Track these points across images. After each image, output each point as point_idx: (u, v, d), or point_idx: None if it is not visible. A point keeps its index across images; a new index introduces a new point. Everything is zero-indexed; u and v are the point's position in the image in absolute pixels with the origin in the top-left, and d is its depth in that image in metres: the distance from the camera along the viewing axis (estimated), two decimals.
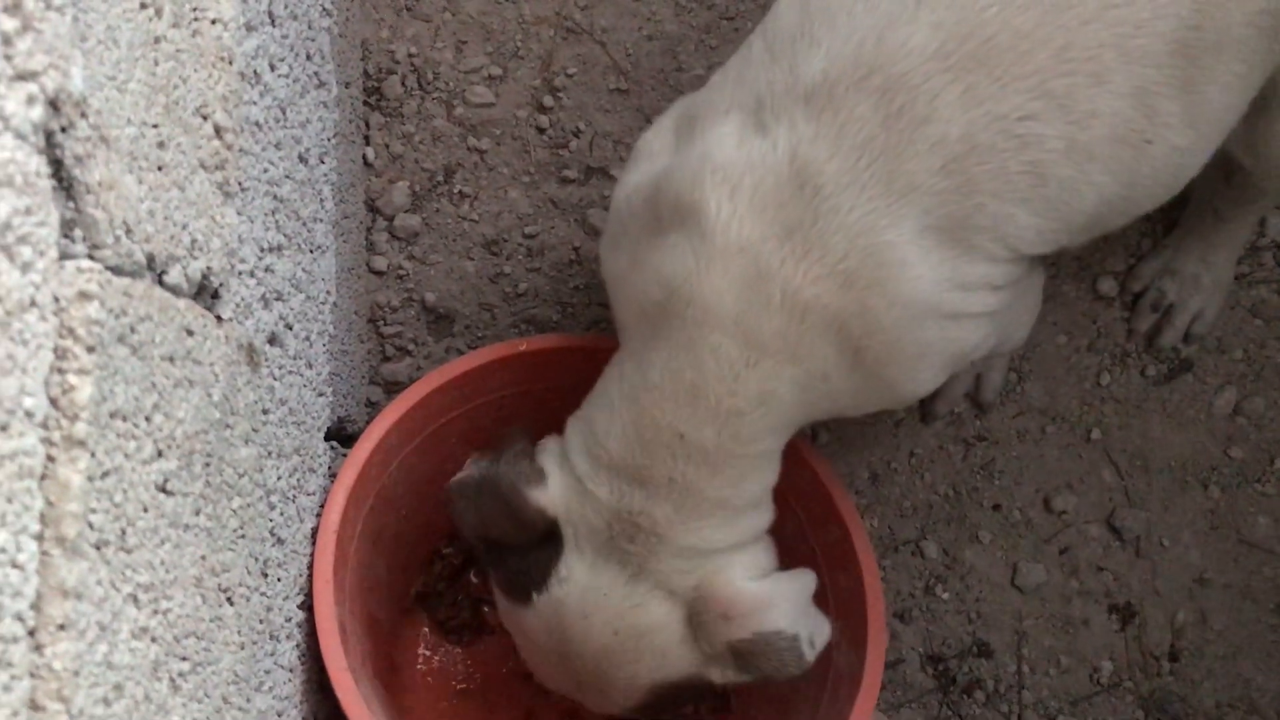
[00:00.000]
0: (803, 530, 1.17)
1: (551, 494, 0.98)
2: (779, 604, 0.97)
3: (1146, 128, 0.89)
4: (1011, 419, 1.34)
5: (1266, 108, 1.02)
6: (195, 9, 0.76)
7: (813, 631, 0.99)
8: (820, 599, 1.15)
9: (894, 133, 0.86)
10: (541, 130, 1.36)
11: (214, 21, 0.78)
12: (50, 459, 0.58)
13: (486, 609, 1.28)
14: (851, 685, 1.07)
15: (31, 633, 0.55)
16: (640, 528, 0.95)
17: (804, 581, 1.01)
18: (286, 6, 0.96)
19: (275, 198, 0.94)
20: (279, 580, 0.95)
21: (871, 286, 0.88)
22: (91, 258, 0.64)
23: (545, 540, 0.98)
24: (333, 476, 1.09)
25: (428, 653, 1.28)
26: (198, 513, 0.73)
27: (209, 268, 0.77)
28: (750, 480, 0.96)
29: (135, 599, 0.64)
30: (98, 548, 0.61)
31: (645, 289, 0.93)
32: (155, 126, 0.71)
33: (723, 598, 0.96)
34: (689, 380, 0.92)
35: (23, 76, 0.54)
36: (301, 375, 1.01)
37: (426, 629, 1.28)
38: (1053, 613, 1.32)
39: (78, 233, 0.63)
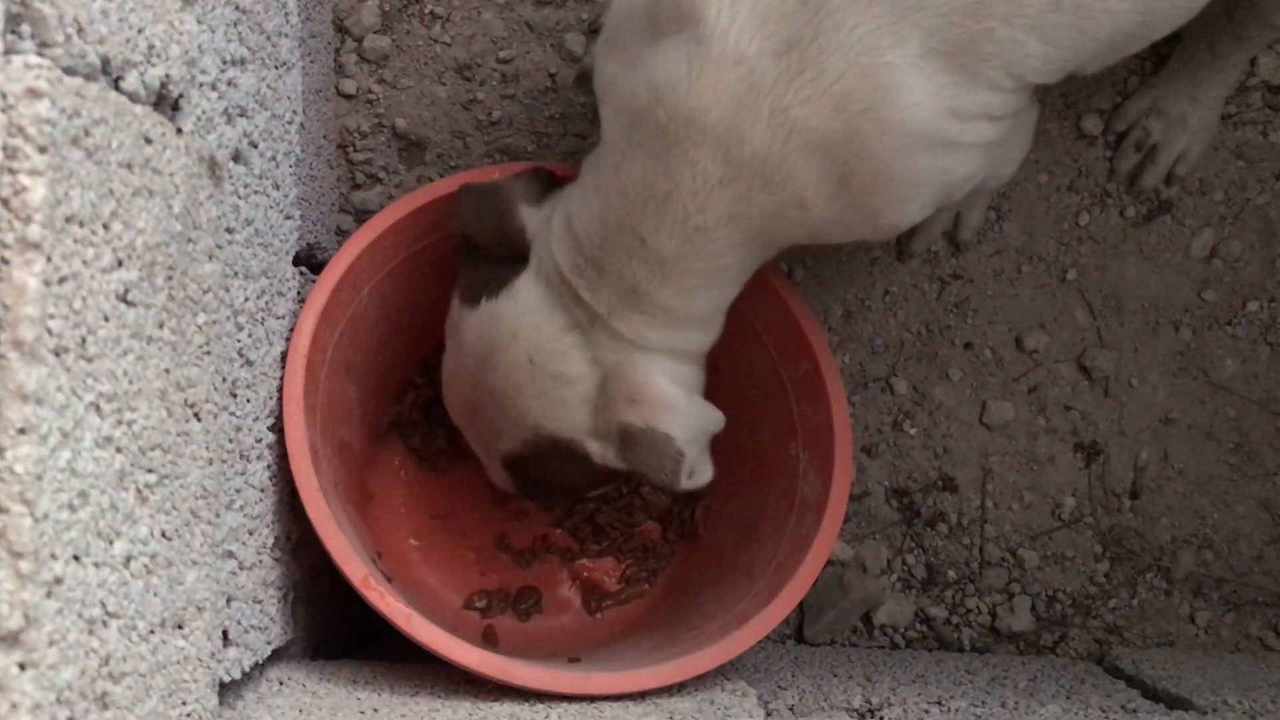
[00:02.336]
0: (773, 364, 1.18)
1: (538, 222, 1.01)
2: (682, 415, 0.99)
3: None
4: (988, 258, 1.34)
5: None
6: None
7: (696, 465, 1.01)
8: (789, 431, 1.17)
9: None
10: None
11: None
12: (4, 260, 0.57)
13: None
14: (816, 515, 1.09)
15: None
16: (585, 302, 0.98)
17: (712, 415, 1.03)
18: None
19: (237, 8, 0.91)
20: (248, 401, 0.95)
21: (866, 110, 0.86)
22: (41, 55, 0.61)
23: (517, 261, 1.02)
24: (302, 302, 1.08)
25: (402, 480, 1.29)
26: (161, 325, 0.72)
27: (168, 75, 0.74)
28: (700, 295, 0.97)
29: (98, 408, 0.64)
30: (57, 354, 0.60)
31: (634, 93, 0.91)
32: None
33: (635, 382, 0.98)
34: (661, 191, 0.91)
35: None
36: (268, 196, 0.99)
37: (400, 457, 1.30)
38: (1019, 450, 1.34)
39: (25, 28, 0.61)
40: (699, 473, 1.02)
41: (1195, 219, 1.34)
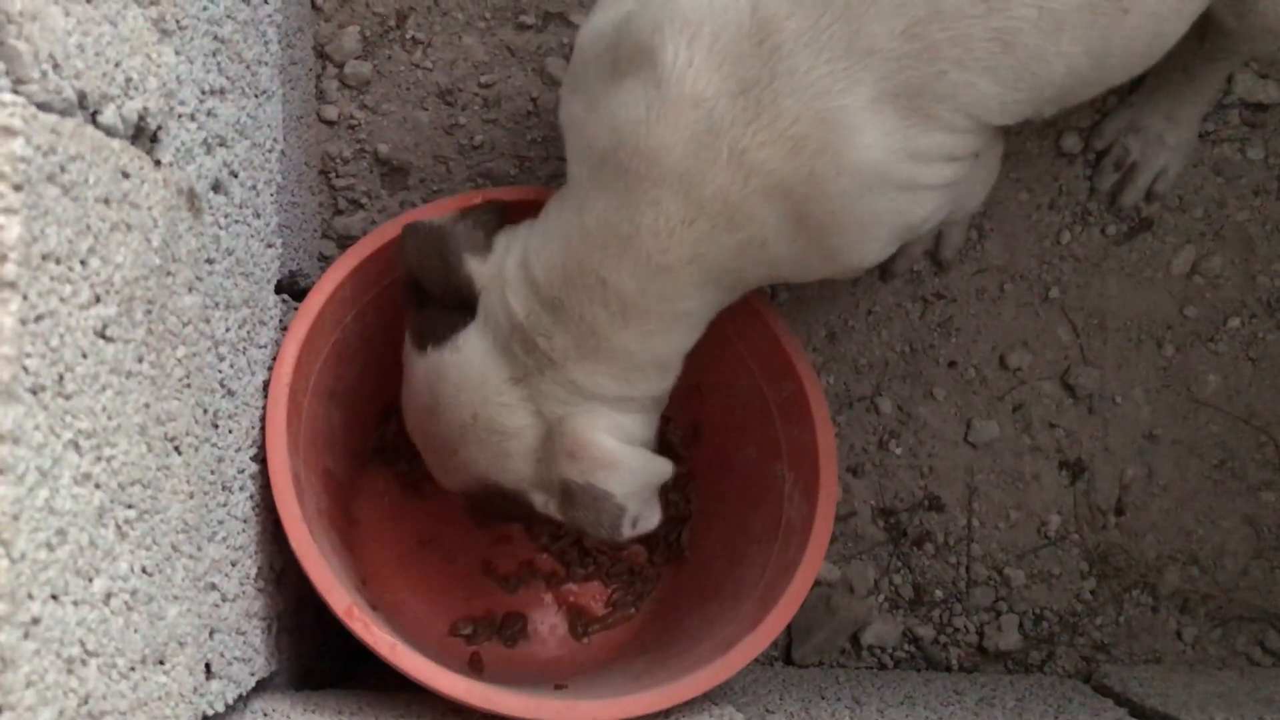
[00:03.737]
0: (758, 385, 1.18)
1: (485, 270, 1.00)
2: (624, 472, 0.99)
3: None
4: (970, 276, 1.34)
5: None
6: None
7: (642, 515, 1.01)
8: (774, 452, 1.17)
9: None
10: None
11: None
12: None
13: None
14: (802, 536, 1.09)
15: None
16: (538, 348, 0.97)
17: (658, 468, 1.03)
18: None
19: (216, 38, 0.91)
20: (230, 432, 0.94)
21: (821, 153, 0.87)
22: (16, 92, 0.61)
23: (464, 306, 1.01)
24: (284, 330, 1.07)
25: (386, 506, 1.29)
26: (140, 360, 0.71)
27: (146, 108, 0.74)
28: (660, 339, 0.97)
29: (76, 445, 0.64)
30: (34, 392, 0.60)
31: (596, 134, 0.92)
32: None
33: (577, 438, 0.98)
34: (623, 231, 0.91)
35: None
36: (249, 225, 0.98)
37: (384, 482, 1.29)
38: (1004, 468, 1.34)
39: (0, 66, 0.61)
40: (643, 521, 1.02)
41: (1176, 236, 1.35)
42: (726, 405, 1.22)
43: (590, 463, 0.98)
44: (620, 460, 0.99)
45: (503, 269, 0.99)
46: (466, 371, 1.00)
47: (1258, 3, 1.04)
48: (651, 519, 1.03)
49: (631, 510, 1.00)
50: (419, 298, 1.04)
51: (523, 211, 1.14)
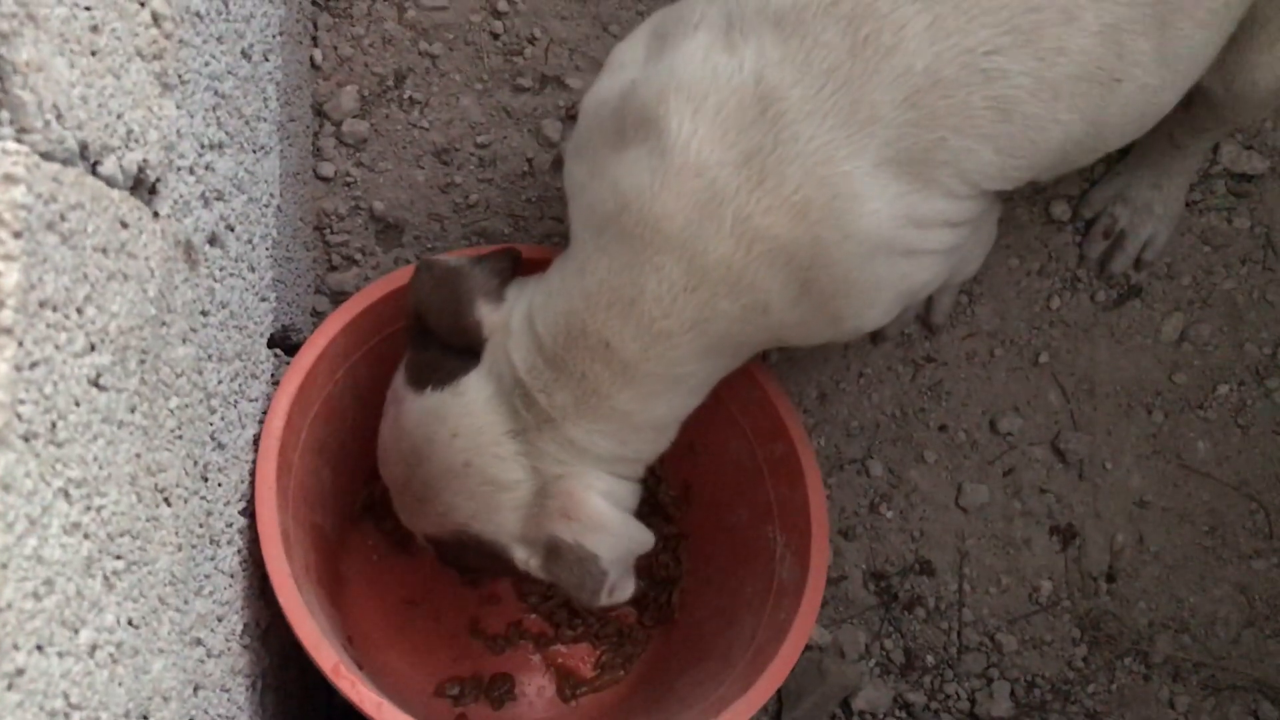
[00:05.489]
0: (750, 446, 1.18)
1: (496, 320, 1.00)
2: (612, 538, 0.99)
3: (1116, 66, 0.88)
4: (961, 341, 1.35)
5: (1245, 40, 1.02)
6: None
7: (619, 583, 1.01)
8: (765, 513, 1.16)
9: (859, 61, 0.85)
10: (496, 36, 1.33)
11: None
12: None
13: None
14: (794, 599, 1.08)
15: None
16: (537, 404, 0.97)
17: (643, 538, 1.03)
18: None
19: (217, 93, 0.91)
20: (220, 485, 0.94)
21: (825, 219, 0.88)
22: (19, 141, 0.61)
23: (467, 352, 1.00)
24: (276, 383, 1.07)
25: (374, 563, 1.28)
26: (133, 410, 0.71)
27: (146, 160, 0.75)
28: (660, 402, 0.97)
29: (66, 494, 0.63)
30: (26, 439, 0.59)
31: (600, 199, 0.92)
32: (88, 9, 0.68)
33: (574, 497, 0.98)
34: (627, 296, 0.92)
35: None
36: (243, 278, 0.99)
37: (373, 540, 1.28)
38: (995, 533, 1.34)
39: (4, 114, 0.61)
40: (619, 591, 1.02)
41: (1164, 303, 1.36)
42: (718, 466, 1.22)
43: (584, 523, 0.97)
44: (612, 525, 0.99)
45: (509, 320, 0.99)
46: (466, 417, 0.99)
47: (1245, 74, 1.06)
48: (627, 589, 1.03)
49: (612, 576, 1.00)
50: (421, 337, 1.04)
51: (534, 266, 1.15)
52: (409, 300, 1.04)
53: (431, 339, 1.02)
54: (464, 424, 0.99)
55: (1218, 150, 1.35)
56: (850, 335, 1.00)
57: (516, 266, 1.05)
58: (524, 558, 1.01)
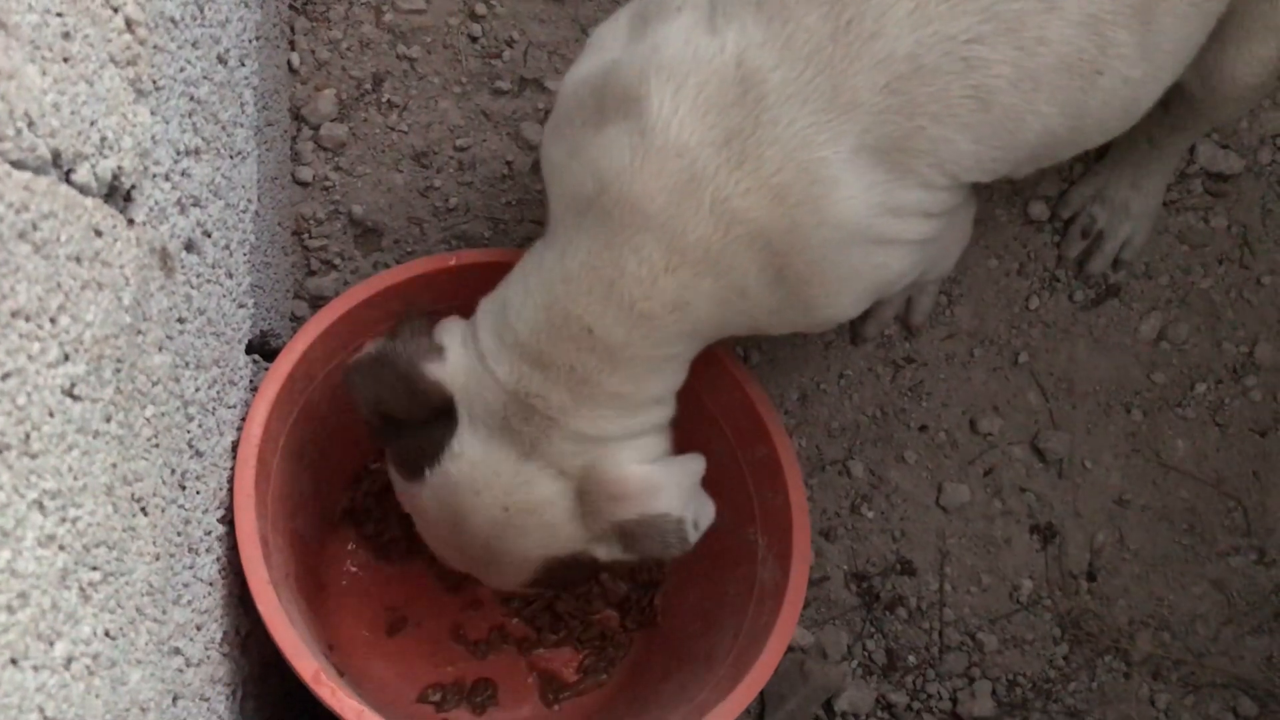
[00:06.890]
0: (731, 448, 1.17)
1: (449, 369, 0.98)
2: (667, 488, 0.98)
3: (1097, 58, 0.88)
4: (940, 341, 1.35)
5: (1224, 36, 1.02)
6: None
7: (698, 514, 1.01)
8: (747, 516, 1.16)
9: (841, 46, 0.85)
10: (474, 39, 1.32)
11: None
12: None
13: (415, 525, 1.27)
14: (775, 600, 1.08)
15: None
16: (535, 410, 0.96)
17: (693, 466, 1.02)
18: None
19: (192, 99, 0.91)
20: (198, 493, 0.93)
21: (802, 204, 0.88)
22: None
23: (440, 416, 0.99)
24: (255, 390, 1.06)
25: (355, 570, 1.27)
26: (108, 419, 0.71)
27: (120, 167, 0.74)
28: (651, 381, 0.97)
29: (41, 505, 0.63)
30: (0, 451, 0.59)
31: (579, 180, 0.92)
32: (60, 15, 0.67)
33: (611, 480, 0.97)
34: (607, 277, 0.91)
35: None
36: (221, 285, 0.98)
37: (354, 546, 1.27)
38: (975, 532, 1.34)
39: None
40: (703, 519, 1.01)
41: (1142, 303, 1.36)
42: None
43: (634, 496, 0.97)
44: (659, 481, 0.98)
45: (475, 351, 0.98)
46: (476, 472, 0.98)
47: (1223, 70, 1.06)
48: (708, 511, 1.02)
49: (689, 515, 0.99)
50: (389, 431, 1.01)
51: (493, 276, 1.15)
52: (358, 407, 1.02)
53: (400, 426, 1.00)
54: (479, 477, 0.98)
55: (1194, 150, 1.35)
56: (824, 325, 1.00)
57: (428, 319, 1.03)
58: (606, 553, 1.01)
